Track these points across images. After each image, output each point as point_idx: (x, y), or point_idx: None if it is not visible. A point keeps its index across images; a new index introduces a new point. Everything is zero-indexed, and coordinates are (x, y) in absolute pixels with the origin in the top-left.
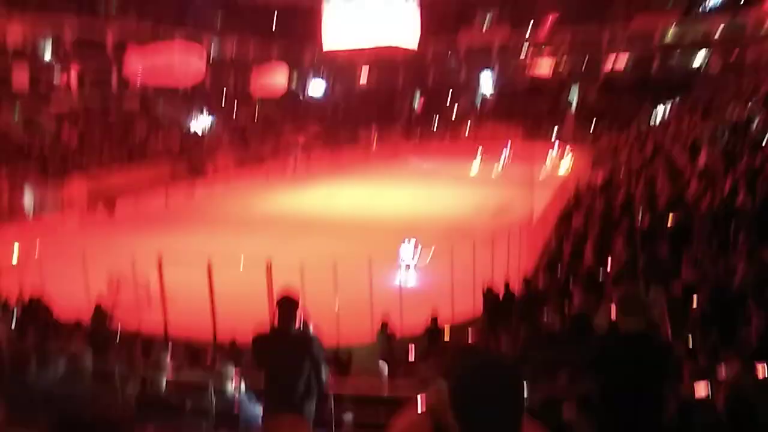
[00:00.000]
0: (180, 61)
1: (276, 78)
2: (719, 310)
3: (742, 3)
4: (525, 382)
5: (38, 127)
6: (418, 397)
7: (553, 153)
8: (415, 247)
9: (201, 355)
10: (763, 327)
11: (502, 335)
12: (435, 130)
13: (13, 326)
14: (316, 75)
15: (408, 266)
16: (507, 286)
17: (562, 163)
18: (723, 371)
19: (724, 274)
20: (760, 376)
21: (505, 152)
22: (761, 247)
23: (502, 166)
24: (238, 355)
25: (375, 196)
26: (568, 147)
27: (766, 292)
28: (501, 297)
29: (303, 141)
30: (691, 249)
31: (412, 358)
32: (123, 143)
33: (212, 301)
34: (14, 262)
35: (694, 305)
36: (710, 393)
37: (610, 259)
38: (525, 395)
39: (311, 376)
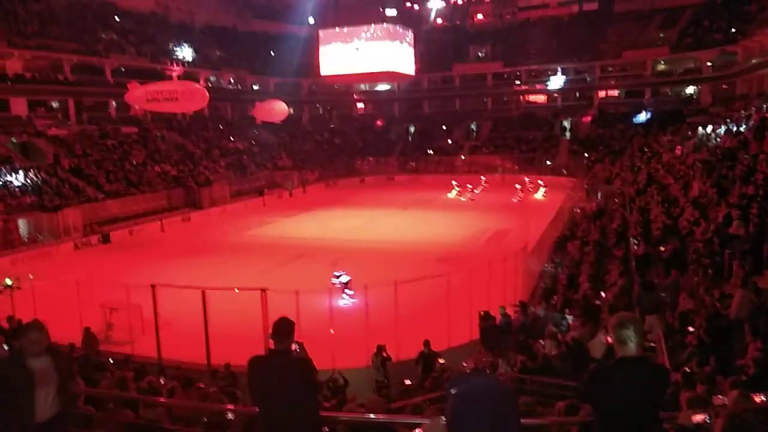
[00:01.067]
0: (184, 88)
1: (277, 105)
2: (715, 338)
3: (733, 34)
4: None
5: (36, 153)
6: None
7: (526, 181)
8: (342, 274)
9: (194, 379)
10: (760, 354)
11: (499, 361)
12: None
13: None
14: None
15: (341, 288)
16: (503, 311)
17: (536, 191)
18: (720, 398)
19: (719, 302)
20: (757, 403)
21: (482, 181)
22: (755, 274)
23: (478, 193)
24: (233, 378)
25: (370, 222)
26: (539, 180)
27: (761, 319)
28: (497, 322)
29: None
30: (686, 277)
31: (408, 382)
32: (120, 171)
33: (206, 326)
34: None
35: (691, 333)
36: (707, 420)
37: (605, 285)
38: (520, 419)
39: (308, 399)
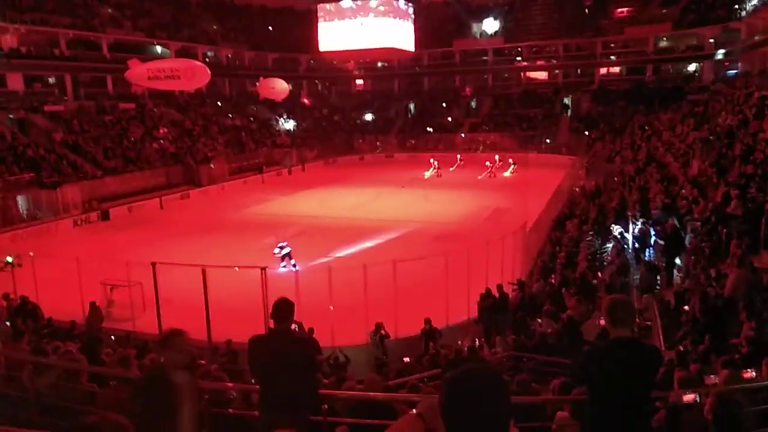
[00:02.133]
0: (185, 66)
1: (278, 84)
2: (710, 317)
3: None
4: (510, 389)
5: (33, 129)
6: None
7: (496, 159)
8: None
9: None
10: (753, 333)
11: (496, 339)
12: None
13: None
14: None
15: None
16: (501, 289)
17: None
18: (712, 378)
19: (715, 282)
20: (746, 378)
21: (458, 159)
22: (752, 254)
23: (452, 170)
24: (234, 355)
25: (369, 200)
26: (510, 158)
27: (756, 299)
28: (495, 301)
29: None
30: (682, 256)
31: (406, 359)
32: (118, 147)
33: (207, 304)
34: (9, 264)
35: (686, 312)
36: (698, 399)
37: (603, 264)
38: (511, 402)
39: (308, 378)
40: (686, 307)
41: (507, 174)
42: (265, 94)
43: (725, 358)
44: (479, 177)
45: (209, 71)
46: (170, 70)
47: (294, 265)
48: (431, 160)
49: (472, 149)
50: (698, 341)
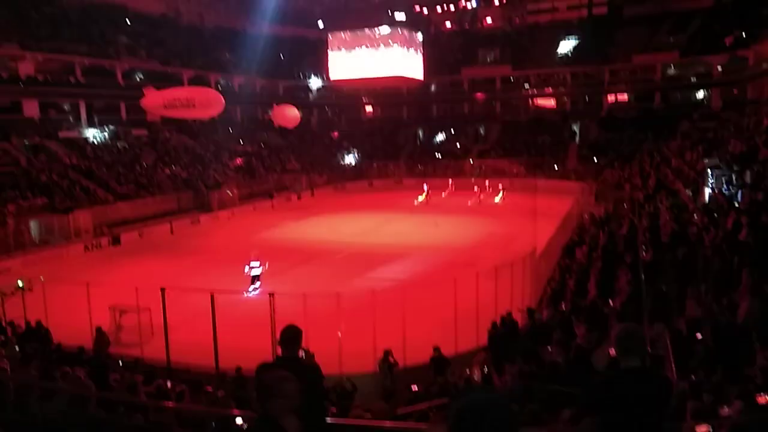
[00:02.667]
0: (201, 95)
1: (290, 111)
2: (723, 346)
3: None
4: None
5: (47, 156)
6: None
7: (486, 185)
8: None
9: (203, 383)
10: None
11: (506, 368)
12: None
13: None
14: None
15: (251, 278)
16: (510, 317)
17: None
18: (726, 409)
19: (728, 310)
20: (762, 411)
21: (449, 184)
22: (765, 282)
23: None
24: (241, 382)
25: (378, 225)
26: (500, 184)
27: None
28: (504, 329)
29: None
30: (694, 284)
31: (414, 388)
32: (131, 173)
33: (215, 329)
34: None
35: (699, 341)
36: (712, 430)
37: (613, 293)
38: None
39: (316, 406)
40: (699, 335)
41: (497, 200)
42: (278, 121)
43: (739, 389)
44: (468, 203)
45: (223, 99)
46: (186, 98)
47: (255, 289)
48: (424, 186)
49: (479, 175)
50: (711, 371)
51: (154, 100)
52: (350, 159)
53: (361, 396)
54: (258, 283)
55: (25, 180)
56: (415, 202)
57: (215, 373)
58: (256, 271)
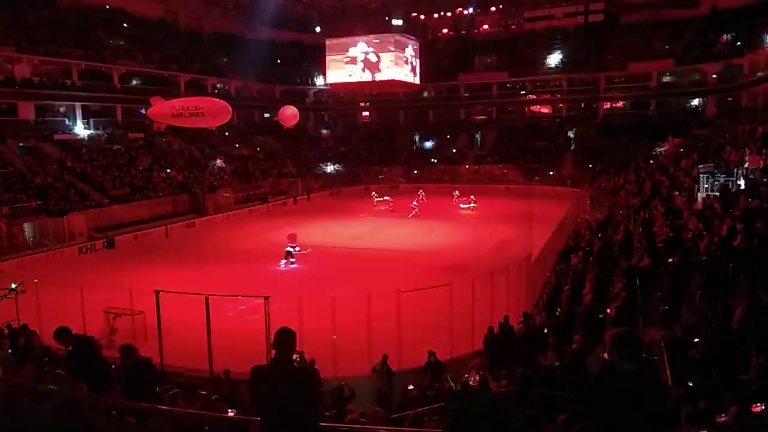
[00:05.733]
0: (209, 104)
1: (289, 109)
2: (718, 352)
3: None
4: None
5: (42, 158)
6: None
7: (455, 195)
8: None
9: (197, 387)
10: (763, 369)
11: (502, 373)
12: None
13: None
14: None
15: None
16: (507, 321)
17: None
18: (721, 414)
19: (722, 316)
20: (757, 418)
21: (420, 194)
22: (759, 288)
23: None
24: (234, 386)
25: (374, 230)
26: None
27: (766, 334)
28: (500, 334)
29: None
30: (689, 290)
31: (410, 387)
32: (126, 176)
33: (209, 333)
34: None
35: (694, 346)
36: None
37: (608, 299)
38: None
39: (310, 410)
40: (695, 340)
41: (465, 206)
42: (283, 120)
43: (734, 395)
44: (408, 216)
45: (231, 109)
46: (194, 107)
47: (291, 263)
48: (420, 191)
49: (475, 181)
50: (706, 377)
51: (161, 109)
52: (330, 168)
53: (357, 400)
54: (292, 259)
55: (19, 182)
56: (375, 201)
57: (209, 377)
58: (290, 249)
